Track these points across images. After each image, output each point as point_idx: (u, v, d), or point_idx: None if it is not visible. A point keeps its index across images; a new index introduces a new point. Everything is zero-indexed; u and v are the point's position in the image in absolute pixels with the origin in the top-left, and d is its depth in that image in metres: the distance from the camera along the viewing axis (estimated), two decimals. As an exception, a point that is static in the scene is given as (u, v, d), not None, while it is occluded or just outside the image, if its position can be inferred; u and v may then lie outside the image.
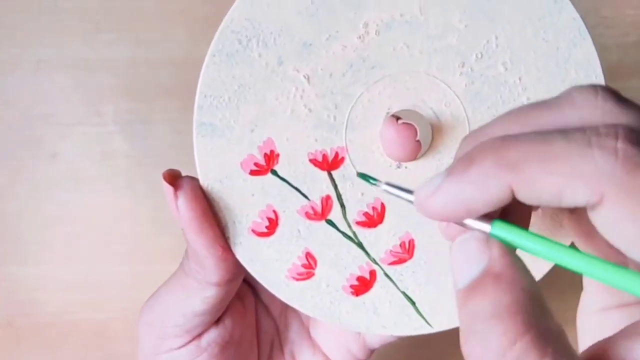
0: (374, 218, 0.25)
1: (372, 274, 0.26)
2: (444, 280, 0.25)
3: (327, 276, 0.26)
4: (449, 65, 0.25)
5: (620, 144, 0.16)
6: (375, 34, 0.25)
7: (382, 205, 0.25)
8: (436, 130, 0.25)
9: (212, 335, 0.27)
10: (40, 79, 0.37)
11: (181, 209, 0.24)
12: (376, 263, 0.26)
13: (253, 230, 0.25)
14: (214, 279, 0.25)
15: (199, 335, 0.27)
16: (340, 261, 0.26)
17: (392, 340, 0.28)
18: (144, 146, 0.38)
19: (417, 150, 0.24)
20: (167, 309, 0.27)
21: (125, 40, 0.37)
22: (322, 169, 0.25)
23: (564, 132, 0.17)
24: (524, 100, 0.25)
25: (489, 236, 0.18)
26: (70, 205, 0.38)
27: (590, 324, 0.22)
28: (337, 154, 0.25)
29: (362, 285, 0.26)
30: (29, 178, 0.38)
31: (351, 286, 0.26)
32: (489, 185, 0.17)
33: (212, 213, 0.25)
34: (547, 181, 0.16)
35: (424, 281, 0.26)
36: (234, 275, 0.26)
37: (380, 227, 0.25)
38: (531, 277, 0.17)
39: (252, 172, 0.25)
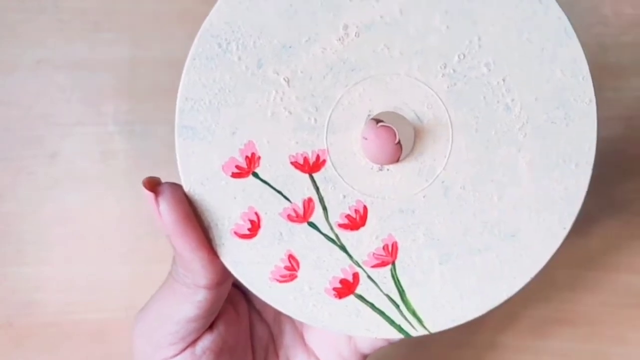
0: (356, 220, 0.25)
1: (355, 276, 0.26)
2: (428, 284, 0.25)
3: (310, 278, 0.26)
4: (431, 66, 0.25)
5: None
6: (355, 35, 0.25)
7: (365, 208, 0.25)
8: (418, 132, 0.25)
9: (207, 342, 0.27)
10: (40, 79, 0.37)
11: (163, 214, 0.24)
12: (359, 266, 0.25)
13: (235, 233, 0.25)
14: (203, 282, 0.25)
15: (193, 342, 0.27)
16: (322, 264, 0.25)
17: (383, 345, 0.28)
18: (144, 146, 0.38)
19: (397, 152, 0.24)
20: (159, 317, 0.27)
21: (125, 40, 0.37)
22: (304, 171, 0.25)
23: None
24: (508, 102, 0.25)
25: None
26: (70, 205, 0.38)
27: None
28: (318, 157, 0.25)
29: (345, 288, 0.26)
30: (29, 178, 0.38)
31: (334, 289, 0.26)
32: None
33: (195, 216, 0.25)
34: None
35: (408, 284, 0.25)
36: (222, 277, 0.26)
37: (362, 229, 0.25)
38: None
39: (234, 175, 0.25)
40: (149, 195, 0.24)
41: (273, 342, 0.31)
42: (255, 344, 0.30)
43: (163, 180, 0.25)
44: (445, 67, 0.24)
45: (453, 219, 0.25)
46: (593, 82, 0.25)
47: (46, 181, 0.38)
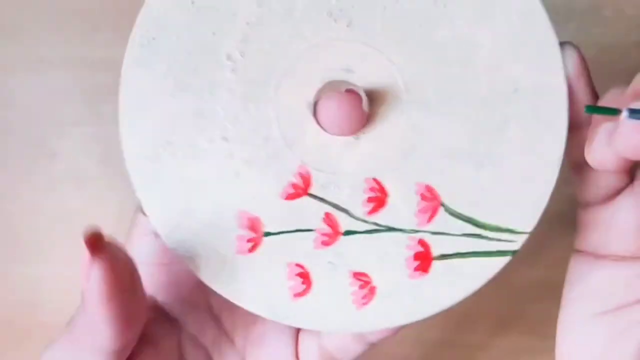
0: (380, 197, 0.24)
1: (423, 243, 0.24)
2: (486, 195, 0.23)
3: (389, 279, 0.24)
4: (320, 24, 0.23)
5: None
6: (242, 56, 0.24)
7: (376, 181, 0.24)
8: (359, 82, 0.23)
9: None
10: (40, 79, 0.37)
11: (93, 278, 0.21)
12: (417, 231, 0.24)
13: (296, 295, 0.24)
14: (110, 347, 0.22)
15: None
16: (387, 257, 0.24)
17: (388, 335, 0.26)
18: (144, 146, 0.38)
19: (364, 115, 0.23)
20: None
21: (125, 40, 0.37)
22: (301, 195, 0.24)
23: None
24: (440, 6, 0.23)
25: None
26: (70, 205, 0.38)
27: (574, 333, 0.22)
28: (301, 175, 0.24)
29: (424, 260, 0.24)
30: (29, 178, 0.38)
31: (415, 269, 0.24)
32: None
33: (129, 283, 0.22)
34: None
35: (470, 209, 0.23)
36: (126, 346, 0.23)
37: (390, 200, 0.24)
38: None
39: (251, 250, 0.24)
40: (87, 256, 0.21)
41: None
42: None
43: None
44: (331, 15, 0.23)
45: (455, 123, 0.23)
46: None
47: (46, 181, 0.37)
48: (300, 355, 0.27)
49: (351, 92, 0.23)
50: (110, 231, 0.38)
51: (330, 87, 0.23)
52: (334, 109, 0.23)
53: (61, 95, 0.37)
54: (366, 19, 0.23)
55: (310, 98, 0.24)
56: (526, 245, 0.24)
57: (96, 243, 0.22)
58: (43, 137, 0.37)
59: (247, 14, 0.24)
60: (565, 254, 0.37)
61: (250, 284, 0.24)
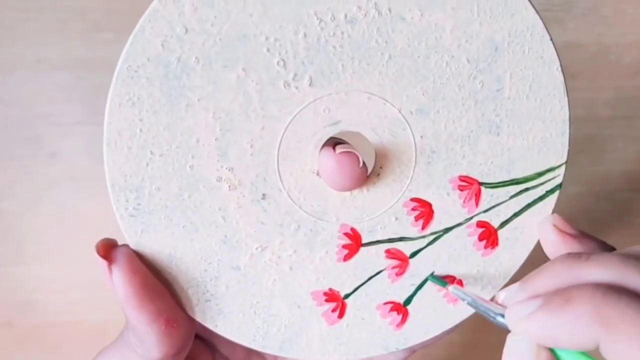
0: (425, 210, 0.24)
1: (481, 224, 0.25)
2: (520, 149, 0.24)
3: (466, 268, 0.25)
4: (289, 92, 0.22)
5: None
6: (230, 171, 0.23)
7: (414, 199, 0.24)
8: (352, 126, 0.23)
9: None
10: (40, 79, 0.37)
11: (117, 284, 0.22)
12: (471, 218, 0.24)
13: (398, 325, 0.25)
14: (156, 355, 0.23)
15: None
16: (456, 252, 0.25)
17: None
18: (144, 146, 0.38)
19: (365, 171, 0.23)
20: None
21: (125, 40, 0.37)
22: (357, 250, 0.24)
23: None
24: (447, 59, 0.23)
25: (540, 348, 0.19)
26: (70, 205, 0.38)
27: None
28: (346, 234, 0.24)
29: (490, 235, 0.25)
30: (29, 178, 0.38)
31: (485, 247, 0.25)
32: (580, 334, 0.18)
33: (155, 282, 0.23)
34: (636, 351, 0.17)
35: (511, 169, 0.24)
36: (179, 349, 0.23)
37: (434, 206, 0.24)
38: None
39: (340, 316, 0.25)
40: (102, 263, 0.22)
41: None
42: None
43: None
44: (288, 85, 0.22)
45: (456, 109, 0.23)
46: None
47: (46, 181, 0.37)
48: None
49: (346, 153, 0.22)
50: (110, 231, 0.38)
51: (326, 151, 0.23)
52: (336, 173, 0.22)
53: (61, 95, 0.37)
54: (324, 67, 0.22)
55: (314, 166, 0.23)
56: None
57: (109, 247, 0.22)
58: (43, 137, 0.37)
59: (210, 132, 0.22)
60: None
61: (357, 340, 0.25)
